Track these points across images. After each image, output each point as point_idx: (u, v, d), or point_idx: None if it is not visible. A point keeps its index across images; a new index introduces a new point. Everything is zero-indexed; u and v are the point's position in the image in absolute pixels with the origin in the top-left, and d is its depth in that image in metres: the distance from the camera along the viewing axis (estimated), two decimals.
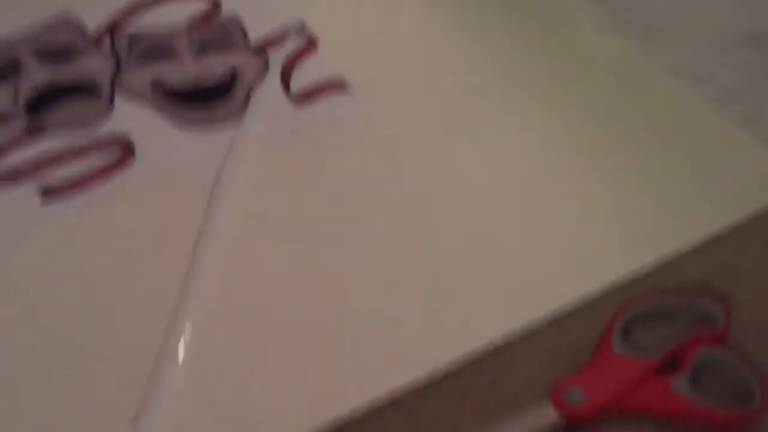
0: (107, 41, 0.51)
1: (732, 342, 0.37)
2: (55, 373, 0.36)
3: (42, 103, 0.47)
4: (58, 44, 0.50)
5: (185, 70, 0.49)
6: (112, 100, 0.48)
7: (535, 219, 0.42)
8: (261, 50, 0.51)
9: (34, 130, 0.46)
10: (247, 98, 0.48)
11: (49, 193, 0.43)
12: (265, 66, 0.50)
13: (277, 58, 0.50)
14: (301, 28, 0.52)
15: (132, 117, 0.47)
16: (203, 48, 0.51)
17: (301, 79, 0.50)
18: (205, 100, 0.48)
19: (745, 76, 0.51)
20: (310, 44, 0.52)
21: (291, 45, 0.52)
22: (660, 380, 0.35)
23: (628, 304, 0.38)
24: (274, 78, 0.50)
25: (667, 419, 0.34)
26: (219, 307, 0.38)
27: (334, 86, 0.49)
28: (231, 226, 0.42)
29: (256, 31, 0.52)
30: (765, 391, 0.34)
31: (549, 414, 0.34)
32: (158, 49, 0.50)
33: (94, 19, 0.52)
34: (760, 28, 0.54)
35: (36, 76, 0.48)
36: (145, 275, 0.40)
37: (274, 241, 0.41)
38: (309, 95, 0.48)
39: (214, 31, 0.52)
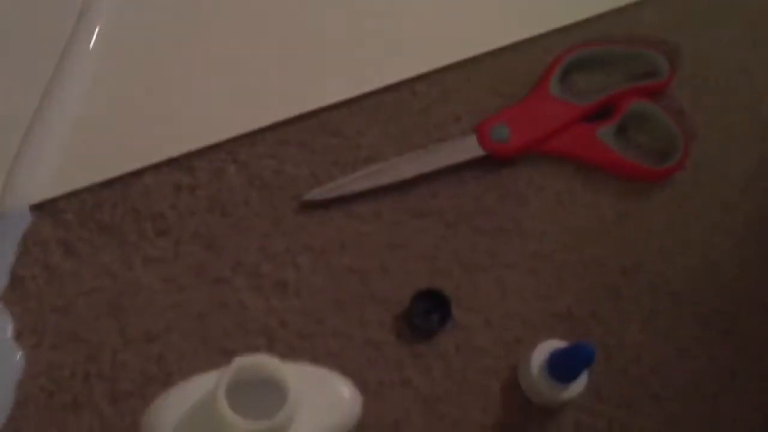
0: None
1: (667, 98, 0.36)
2: None
3: None
4: None
5: None
6: None
7: None
8: None
9: None
10: None
11: None
12: None
13: None
14: None
15: None
16: None
17: None
18: None
19: None
20: None
21: None
22: (587, 127, 0.35)
23: (574, 48, 0.36)
24: None
25: (587, 166, 0.35)
26: None
27: None
28: None
29: None
30: (686, 149, 0.34)
31: (473, 147, 0.34)
32: None
33: None
34: None
35: None
36: None
37: None
38: None
39: None
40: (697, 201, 0.35)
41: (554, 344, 0.29)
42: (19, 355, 0.29)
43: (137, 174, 0.32)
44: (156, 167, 0.33)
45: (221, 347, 0.30)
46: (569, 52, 0.36)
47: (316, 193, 0.32)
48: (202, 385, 0.25)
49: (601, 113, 0.35)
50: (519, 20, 0.37)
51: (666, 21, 0.38)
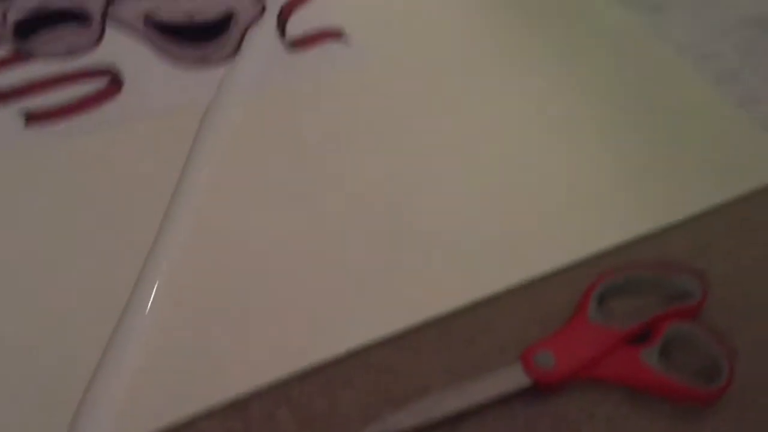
0: None
1: (704, 319, 0.37)
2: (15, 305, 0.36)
3: (31, 28, 0.46)
4: None
5: (180, 5, 0.48)
6: (102, 30, 0.47)
7: (522, 186, 0.42)
8: None
9: (21, 54, 0.45)
10: (241, 41, 0.47)
11: (32, 117, 0.42)
12: (262, 9, 0.49)
13: (274, 3, 0.50)
14: None
15: (122, 48, 0.46)
16: None
17: (298, 25, 0.49)
18: (199, 38, 0.47)
19: (745, 58, 0.50)
20: None
21: None
22: (630, 350, 0.35)
23: (606, 274, 0.38)
24: (270, 22, 0.49)
25: (634, 389, 0.35)
26: (194, 253, 0.38)
27: (330, 35, 0.48)
28: (212, 170, 0.41)
29: None
30: (732, 370, 0.35)
31: (519, 376, 0.34)
32: None
33: None
34: (760, 12, 0.54)
35: (27, 1, 0.47)
36: (121, 211, 0.39)
37: (256, 187, 0.41)
38: (304, 42, 0.48)
39: None
40: (750, 421, 0.34)
41: None
42: None
43: (190, 422, 0.33)
44: (209, 413, 0.33)
45: None
46: (602, 278, 0.37)
47: None
48: None
49: (642, 336, 0.36)
50: (551, 251, 0.39)
51: (693, 245, 0.40)
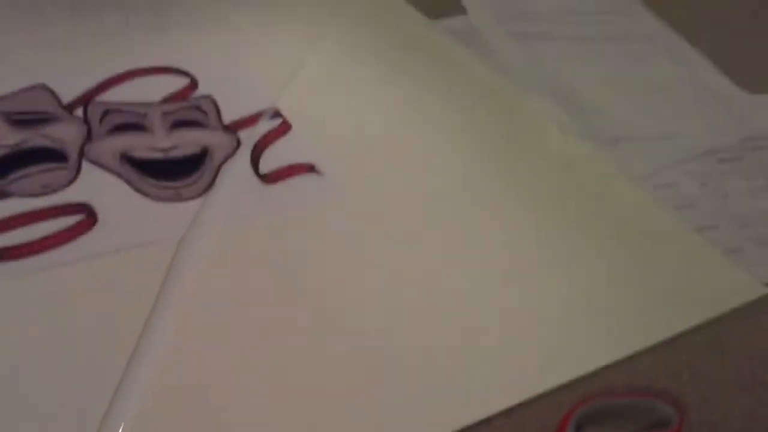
0: (80, 111, 0.51)
1: None
2: None
3: (8, 167, 0.47)
4: (30, 110, 0.50)
5: (155, 144, 0.50)
6: (79, 168, 0.48)
7: (490, 316, 0.42)
8: (233, 130, 0.52)
9: None
10: (216, 175, 0.49)
11: (4, 254, 0.42)
12: (237, 145, 0.51)
13: (248, 138, 0.51)
14: (275, 113, 0.53)
15: (97, 184, 0.47)
16: (176, 124, 0.51)
17: (271, 159, 0.50)
18: (174, 174, 0.48)
19: (701, 187, 0.53)
20: (282, 127, 0.53)
21: (263, 126, 0.53)
22: None
23: (582, 401, 0.37)
24: (244, 157, 0.50)
25: None
26: (165, 395, 0.37)
27: (303, 168, 0.50)
28: (185, 304, 0.41)
29: (229, 113, 0.53)
30: None
31: None
32: (131, 121, 0.51)
33: (70, 92, 0.53)
34: (713, 144, 0.57)
35: (4, 138, 0.48)
36: (92, 346, 0.38)
37: (231, 317, 0.41)
38: (278, 175, 0.49)
39: (188, 108, 0.53)
40: None
41: None
42: None
43: None
44: None
45: None
46: (578, 406, 0.37)
47: None
48: None
49: None
50: (522, 380, 0.39)
51: (665, 368, 0.40)
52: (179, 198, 0.47)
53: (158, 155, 0.49)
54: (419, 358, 0.40)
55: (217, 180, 0.48)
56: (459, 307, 0.42)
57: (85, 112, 0.51)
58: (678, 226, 0.49)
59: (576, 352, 0.40)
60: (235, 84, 0.56)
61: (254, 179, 0.49)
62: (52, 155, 0.48)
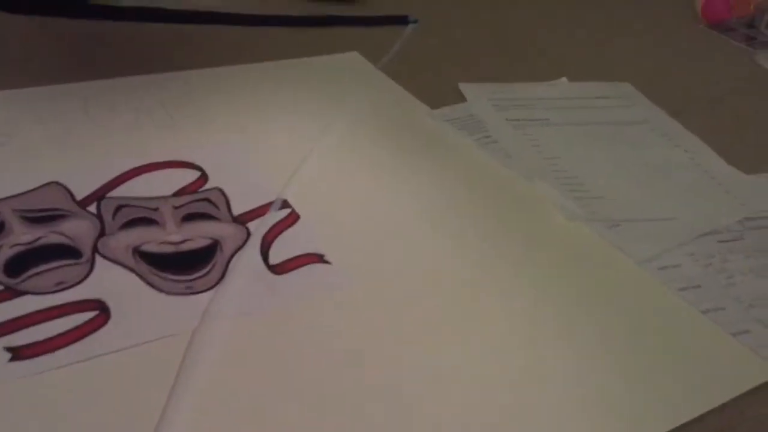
0: (93, 207, 0.52)
1: None
2: None
3: (22, 265, 0.48)
4: (44, 207, 0.52)
5: (167, 238, 0.51)
6: (92, 264, 0.48)
7: (511, 412, 0.42)
8: (242, 221, 0.53)
9: (9, 293, 0.46)
10: (227, 268, 0.49)
11: (17, 353, 0.42)
12: (246, 236, 0.52)
13: (257, 229, 0.52)
14: (283, 203, 0.55)
15: (110, 279, 0.47)
16: (187, 217, 0.53)
17: (281, 249, 0.51)
18: (185, 267, 0.49)
19: (704, 267, 0.53)
20: (291, 217, 0.54)
21: (272, 217, 0.54)
22: None
23: None
24: (254, 248, 0.51)
25: None
26: None
27: (312, 258, 0.50)
28: (198, 398, 0.41)
29: (239, 204, 0.54)
30: None
31: None
32: (143, 216, 0.52)
33: (83, 188, 0.54)
34: (713, 225, 0.58)
35: (19, 236, 0.49)
36: None
37: (245, 412, 0.41)
38: (287, 265, 0.50)
39: (199, 201, 0.54)
40: None
41: None
42: None
43: None
44: None
45: None
46: None
47: None
48: None
49: None
50: None
51: None
52: (191, 291, 0.48)
53: (170, 249, 0.50)
54: None
55: (228, 272, 0.49)
56: (473, 402, 0.42)
57: (98, 207, 0.52)
58: (684, 307, 0.50)
59: None
60: (244, 176, 0.58)
61: (264, 270, 0.50)
62: (67, 252, 0.49)
